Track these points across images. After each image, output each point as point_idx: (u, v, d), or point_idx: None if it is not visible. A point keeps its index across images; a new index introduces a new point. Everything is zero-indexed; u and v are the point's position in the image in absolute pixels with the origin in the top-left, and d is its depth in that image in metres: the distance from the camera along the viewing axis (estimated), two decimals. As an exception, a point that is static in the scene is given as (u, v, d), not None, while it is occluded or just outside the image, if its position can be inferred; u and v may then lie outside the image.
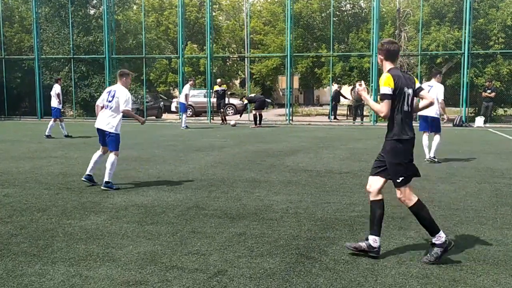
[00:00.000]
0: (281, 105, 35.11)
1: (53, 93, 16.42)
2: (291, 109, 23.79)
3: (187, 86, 19.31)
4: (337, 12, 30.20)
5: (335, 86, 25.89)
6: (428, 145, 10.49)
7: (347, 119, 25.49)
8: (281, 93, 38.72)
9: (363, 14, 30.46)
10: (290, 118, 23.47)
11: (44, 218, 5.94)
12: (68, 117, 26.99)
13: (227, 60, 40.04)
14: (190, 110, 28.93)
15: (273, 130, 19.36)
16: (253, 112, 20.83)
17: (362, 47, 26.92)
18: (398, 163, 4.59)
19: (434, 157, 10.36)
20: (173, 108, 30.34)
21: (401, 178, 4.55)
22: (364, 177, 8.56)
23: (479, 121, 20.92)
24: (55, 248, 4.85)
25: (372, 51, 22.09)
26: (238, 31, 41.88)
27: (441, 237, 4.48)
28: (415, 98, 4.75)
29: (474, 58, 22.37)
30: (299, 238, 5.20)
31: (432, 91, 9.98)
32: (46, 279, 4.08)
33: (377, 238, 4.60)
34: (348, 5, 31.14)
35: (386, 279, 4.11)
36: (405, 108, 4.63)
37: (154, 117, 27.54)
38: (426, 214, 4.58)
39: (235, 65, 41.04)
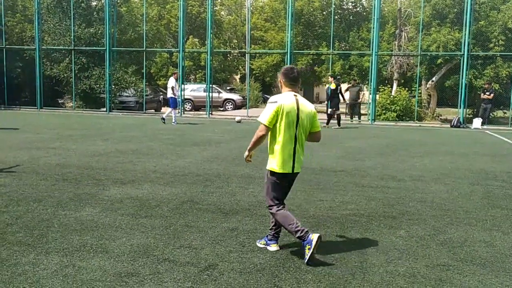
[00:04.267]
0: (281, 102, 35.12)
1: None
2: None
3: (172, 80, 18.73)
4: (338, 11, 30.24)
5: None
6: None
7: (344, 117, 25.51)
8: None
9: (364, 13, 30.50)
10: (289, 115, 23.45)
11: (40, 209, 6.01)
12: (67, 108, 27.06)
13: (228, 55, 40.04)
14: (190, 104, 29.01)
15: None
16: None
17: (363, 46, 26.96)
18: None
19: None
20: (172, 102, 30.33)
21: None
22: (358, 176, 8.66)
23: (477, 122, 20.99)
24: (50, 239, 4.93)
25: (372, 50, 22.14)
26: (240, 26, 41.87)
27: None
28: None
29: (473, 59, 22.42)
30: (290, 234, 5.26)
31: None
32: (40, 269, 4.15)
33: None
34: (350, 4, 31.18)
35: (374, 277, 4.19)
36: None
37: (154, 111, 27.59)
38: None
39: (236, 61, 41.04)
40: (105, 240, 4.92)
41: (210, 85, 24.65)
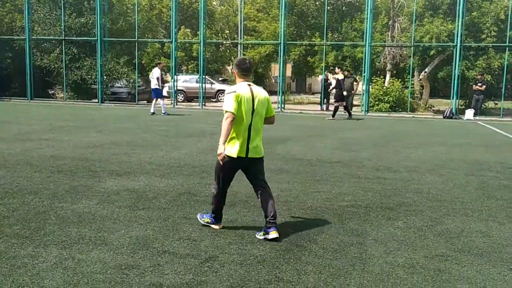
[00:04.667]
0: (273, 93, 35.11)
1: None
2: (283, 97, 23.81)
3: (157, 70, 18.40)
4: (331, 1, 30.17)
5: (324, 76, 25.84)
6: None
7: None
8: (273, 80, 38.70)
9: (357, 4, 30.45)
10: (282, 106, 23.50)
11: (36, 201, 5.97)
12: (58, 99, 26.85)
13: (220, 46, 39.86)
14: (182, 95, 28.88)
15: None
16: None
17: (356, 37, 26.94)
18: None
19: None
20: (164, 93, 30.17)
21: None
22: (354, 168, 8.69)
23: (469, 113, 21.09)
24: (47, 231, 4.90)
25: (366, 41, 22.13)
26: (232, 16, 41.66)
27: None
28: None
29: (466, 51, 22.48)
30: (289, 226, 5.28)
31: None
32: (39, 261, 4.13)
33: None
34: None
35: (374, 268, 4.21)
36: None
37: (146, 102, 27.43)
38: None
39: (228, 51, 40.88)
40: (103, 233, 4.90)
41: (203, 76, 24.52)
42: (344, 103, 18.88)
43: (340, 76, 18.87)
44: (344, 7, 31.03)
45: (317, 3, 30.77)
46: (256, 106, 4.86)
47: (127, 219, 5.37)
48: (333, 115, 18.93)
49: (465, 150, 11.22)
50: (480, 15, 22.87)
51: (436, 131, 15.76)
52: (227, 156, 4.82)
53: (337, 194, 6.73)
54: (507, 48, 21.77)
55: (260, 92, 4.95)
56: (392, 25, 26.40)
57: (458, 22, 21.14)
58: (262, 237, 4.85)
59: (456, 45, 21.29)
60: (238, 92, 4.79)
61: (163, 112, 18.60)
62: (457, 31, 21.27)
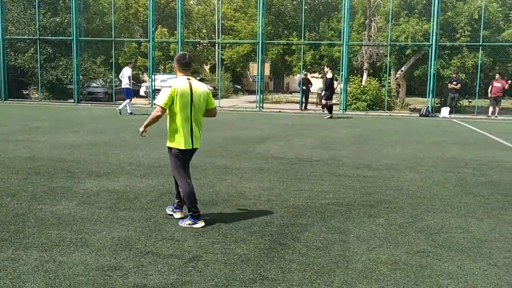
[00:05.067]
0: (252, 92, 35.13)
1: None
2: (261, 96, 23.83)
3: (128, 69, 18.15)
4: (308, 0, 30.28)
5: (305, 75, 25.95)
6: None
7: (316, 107, 25.70)
8: (251, 79, 38.71)
9: (334, 3, 30.64)
10: (261, 105, 23.52)
11: (14, 203, 5.86)
12: (33, 99, 26.38)
13: (198, 45, 39.70)
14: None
15: (243, 117, 19.40)
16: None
17: (333, 36, 27.11)
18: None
19: None
20: (141, 93, 29.98)
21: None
22: (334, 166, 8.74)
23: (445, 111, 21.45)
24: (27, 233, 4.81)
25: (343, 40, 22.29)
26: (209, 16, 41.53)
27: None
28: None
29: (441, 50, 22.83)
30: (272, 224, 5.29)
31: None
32: (20, 264, 4.05)
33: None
34: (319, -7, 31.27)
35: (357, 265, 4.25)
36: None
37: (123, 101, 27.13)
38: None
39: (206, 51, 40.74)
40: (84, 234, 4.83)
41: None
42: (331, 101, 19.12)
43: (329, 75, 18.95)
44: (321, 7, 31.16)
45: (294, 2, 30.85)
46: (194, 99, 5.14)
47: (108, 220, 5.30)
48: (330, 113, 19.09)
49: (442, 148, 11.40)
50: (454, 15, 23.26)
51: (413, 129, 15.97)
52: (176, 149, 5.16)
53: (318, 192, 6.76)
54: (480, 47, 22.19)
55: (199, 86, 5.24)
56: (368, 25, 26.65)
57: (433, 22, 21.46)
58: (170, 212, 5.47)
59: (431, 45, 21.61)
60: (175, 86, 5.06)
61: (128, 112, 18.12)
62: (432, 31, 21.59)
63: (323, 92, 19.78)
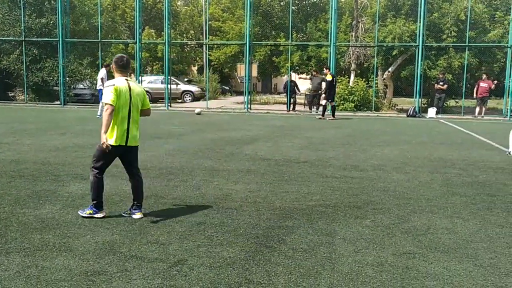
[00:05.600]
0: (239, 93, 35.09)
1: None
2: (249, 97, 23.79)
3: (103, 70, 17.82)
4: (296, 1, 30.33)
5: (292, 76, 26.00)
6: None
7: (304, 108, 25.70)
8: (239, 80, 38.65)
9: (321, 4, 30.72)
10: (249, 106, 23.49)
11: (-3, 207, 5.76)
12: (19, 101, 26.10)
13: (185, 47, 39.58)
14: (148, 96, 28.48)
15: (231, 118, 19.35)
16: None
17: (320, 37, 27.17)
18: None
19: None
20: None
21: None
22: (322, 167, 8.73)
23: (432, 112, 21.57)
24: (9, 238, 4.73)
25: (330, 41, 22.33)
26: (197, 17, 41.43)
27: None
28: None
29: (427, 50, 22.97)
30: (258, 227, 5.26)
31: None
32: (1, 270, 3.98)
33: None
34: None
35: (343, 267, 4.23)
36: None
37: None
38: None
39: (193, 52, 40.63)
40: (68, 238, 4.76)
41: (169, 77, 24.28)
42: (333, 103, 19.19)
43: (329, 78, 18.99)
44: (308, 8, 31.23)
45: (281, 3, 30.89)
46: (133, 99, 5.36)
47: (93, 224, 5.24)
48: (333, 115, 19.18)
49: (429, 148, 11.44)
50: (441, 16, 23.41)
51: (401, 129, 16.03)
52: (110, 144, 5.24)
53: (305, 194, 6.74)
54: (466, 48, 22.35)
55: (137, 87, 5.52)
56: (356, 26, 26.73)
57: (420, 22, 21.59)
58: (127, 216, 5.47)
59: (418, 45, 21.74)
60: (117, 85, 5.27)
61: (98, 114, 17.24)
62: (419, 32, 21.72)
63: (323, 94, 19.79)
